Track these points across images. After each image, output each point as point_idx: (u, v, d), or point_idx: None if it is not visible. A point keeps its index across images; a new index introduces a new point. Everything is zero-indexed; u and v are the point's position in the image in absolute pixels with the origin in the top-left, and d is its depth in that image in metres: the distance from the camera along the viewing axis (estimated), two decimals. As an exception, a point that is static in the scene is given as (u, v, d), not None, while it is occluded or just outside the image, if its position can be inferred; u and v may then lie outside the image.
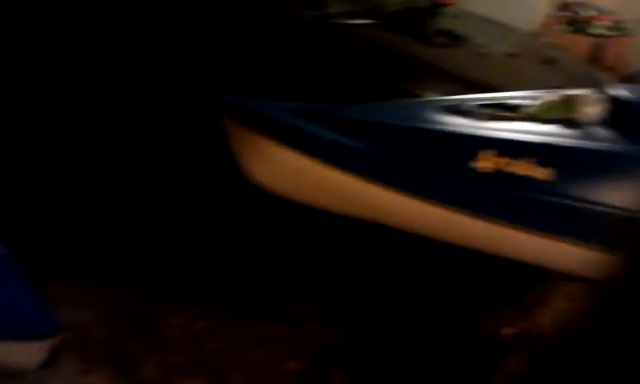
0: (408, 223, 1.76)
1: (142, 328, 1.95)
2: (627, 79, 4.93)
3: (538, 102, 1.69)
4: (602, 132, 1.54)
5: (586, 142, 1.51)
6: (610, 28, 4.91)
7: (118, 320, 1.98)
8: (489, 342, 1.87)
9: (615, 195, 1.42)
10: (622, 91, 1.64)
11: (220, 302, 2.11)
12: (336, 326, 2.03)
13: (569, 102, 1.65)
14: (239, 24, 2.65)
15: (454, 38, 3.61)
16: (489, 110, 1.70)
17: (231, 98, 1.88)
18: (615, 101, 1.63)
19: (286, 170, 1.88)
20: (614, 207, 1.42)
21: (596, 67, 4.45)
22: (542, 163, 1.47)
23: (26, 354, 1.44)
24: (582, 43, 4.75)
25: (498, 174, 1.50)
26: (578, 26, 4.90)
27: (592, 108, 1.63)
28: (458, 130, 1.65)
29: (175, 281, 2.19)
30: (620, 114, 1.59)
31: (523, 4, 4.89)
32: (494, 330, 1.88)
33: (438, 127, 1.68)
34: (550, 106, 1.66)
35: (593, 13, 4.95)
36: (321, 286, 2.24)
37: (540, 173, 1.46)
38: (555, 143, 1.53)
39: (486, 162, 1.51)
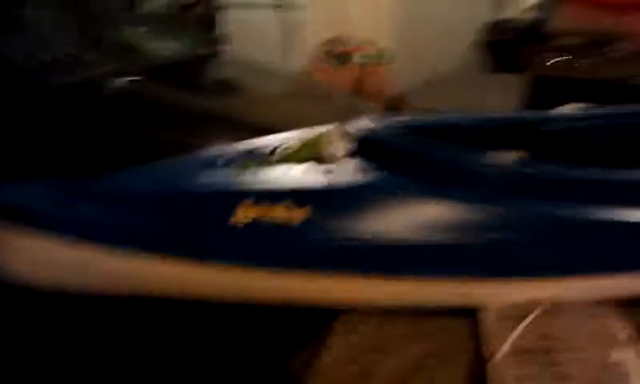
0: (187, 291, 1.68)
1: None
2: (390, 104, 5.41)
3: (290, 144, 1.72)
4: (351, 166, 1.61)
5: (336, 179, 1.57)
6: (370, 57, 5.33)
7: None
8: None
9: (372, 225, 1.49)
10: (365, 124, 1.74)
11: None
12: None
13: (319, 140, 1.71)
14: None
15: (226, 86, 3.66)
16: (244, 159, 1.70)
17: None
18: (360, 134, 1.72)
19: (41, 258, 1.70)
20: (373, 237, 1.48)
21: (361, 97, 4.81)
22: (298, 205, 1.49)
23: None
24: (347, 75, 5.09)
25: (259, 224, 1.49)
26: (341, 58, 5.25)
27: (341, 143, 1.70)
28: (210, 186, 1.62)
29: None
30: (366, 147, 1.68)
31: (290, 46, 5.14)
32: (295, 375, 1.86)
33: (189, 187, 1.63)
34: (301, 146, 1.70)
35: (354, 44, 5.34)
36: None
37: (297, 215, 1.48)
38: (306, 184, 1.57)
39: (244, 214, 1.49)
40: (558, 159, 1.78)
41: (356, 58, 5.23)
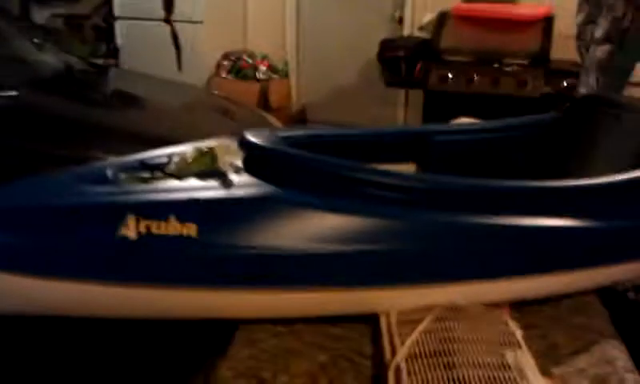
0: (72, 309, 1.59)
1: None
2: (293, 117, 5.47)
3: (182, 157, 1.68)
4: (243, 179, 1.60)
5: (226, 192, 1.54)
6: (271, 71, 5.36)
7: None
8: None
9: (265, 238, 1.48)
10: (258, 137, 1.73)
11: None
12: None
13: (212, 152, 1.68)
14: None
15: (120, 98, 3.53)
16: (133, 173, 1.64)
17: None
18: (250, 147, 1.71)
19: None
20: (267, 250, 1.47)
21: (264, 111, 4.81)
22: (186, 220, 1.45)
23: None
24: (250, 89, 5.09)
25: (146, 240, 1.44)
26: (243, 73, 5.24)
27: (234, 156, 1.68)
28: (94, 201, 1.54)
29: None
30: (258, 160, 1.67)
31: (189, 60, 5.07)
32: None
33: (71, 202, 1.55)
34: (193, 159, 1.67)
35: (254, 58, 5.35)
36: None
37: (186, 230, 1.44)
38: (196, 198, 1.54)
39: (129, 230, 1.43)
40: (446, 171, 1.86)
41: (258, 72, 5.25)
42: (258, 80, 5.19)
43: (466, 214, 1.54)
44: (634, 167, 1.73)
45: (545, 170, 2.04)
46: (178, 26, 5.03)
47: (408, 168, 2.09)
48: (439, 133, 2.17)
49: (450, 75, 4.27)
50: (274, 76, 5.32)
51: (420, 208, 1.54)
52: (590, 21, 3.28)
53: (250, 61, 5.30)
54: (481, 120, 2.82)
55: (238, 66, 5.24)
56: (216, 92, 4.60)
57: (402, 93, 5.20)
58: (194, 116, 3.25)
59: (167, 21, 4.99)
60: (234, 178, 1.59)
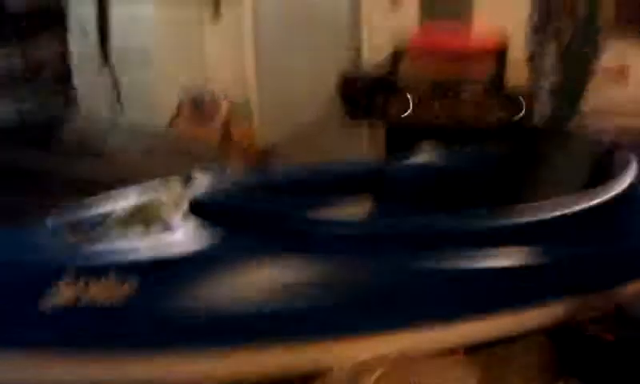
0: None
1: None
2: (256, 158, 5.43)
3: (124, 209, 1.63)
4: (187, 230, 1.54)
5: (166, 247, 1.49)
6: (234, 111, 5.33)
7: None
8: None
9: (205, 296, 1.42)
10: (205, 183, 1.69)
11: None
12: None
13: (154, 203, 1.63)
14: None
15: (79, 145, 3.48)
16: (72, 229, 1.57)
17: None
18: (199, 195, 1.66)
19: None
20: (206, 309, 1.41)
21: (227, 152, 4.78)
22: (123, 280, 1.38)
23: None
24: (211, 129, 5.05)
25: (80, 305, 1.36)
26: (205, 113, 5.20)
27: (178, 206, 1.62)
28: (27, 262, 1.47)
29: None
30: (204, 208, 1.63)
31: (149, 101, 5.02)
32: None
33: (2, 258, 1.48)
34: (135, 211, 1.61)
35: (216, 97, 5.32)
36: None
37: (121, 292, 1.37)
38: (133, 256, 1.47)
39: (63, 294, 1.35)
40: (403, 206, 1.84)
41: (220, 111, 5.21)
42: (220, 119, 5.15)
43: (414, 258, 1.51)
44: (582, 196, 1.74)
45: (498, 201, 2.04)
46: (135, 69, 4.99)
47: (363, 202, 2.06)
48: (394, 166, 2.16)
49: (409, 106, 4.29)
50: (236, 115, 5.29)
51: (365, 255, 1.50)
52: (541, 49, 3.35)
53: (211, 100, 5.26)
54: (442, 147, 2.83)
55: (199, 106, 5.21)
56: (175, 133, 4.56)
57: (365, 126, 5.21)
58: (150, 160, 3.21)
59: (106, 63, 4.93)
60: (177, 229, 1.53)
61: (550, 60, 3.27)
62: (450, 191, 2.15)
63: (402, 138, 4.19)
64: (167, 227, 1.53)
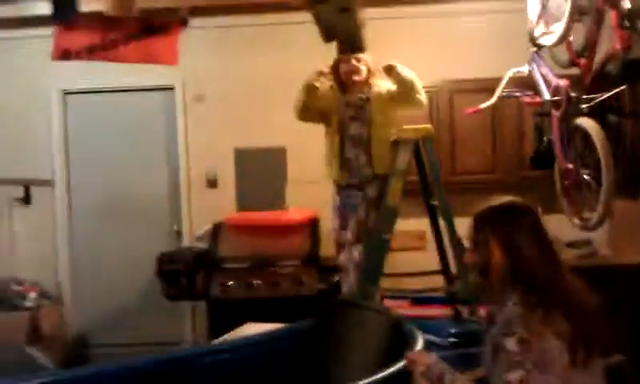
0: None
1: None
2: (69, 346, 5.02)
3: None
4: None
5: None
6: (41, 298, 4.97)
7: None
8: None
9: None
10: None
11: None
12: None
13: None
14: None
15: None
16: None
17: None
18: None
19: None
20: None
21: (35, 344, 4.38)
22: None
23: None
24: (17, 320, 4.63)
25: None
26: (9, 301, 4.79)
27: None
28: None
29: None
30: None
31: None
32: None
33: None
34: None
35: (23, 285, 4.95)
36: None
37: None
38: None
39: None
40: None
41: (27, 300, 4.83)
42: (27, 308, 4.75)
43: None
44: (380, 366, 1.85)
45: (309, 377, 2.10)
46: None
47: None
48: (201, 355, 2.15)
49: (230, 283, 4.35)
50: (45, 302, 4.93)
51: None
52: (344, 225, 3.66)
53: (18, 288, 4.88)
54: (265, 324, 2.86)
55: (4, 295, 4.79)
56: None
57: (187, 305, 5.13)
58: None
59: None
60: None
61: (350, 235, 3.58)
62: (261, 374, 2.17)
63: (225, 313, 4.18)
64: None
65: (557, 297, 1.72)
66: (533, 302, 1.69)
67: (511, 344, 1.66)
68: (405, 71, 3.51)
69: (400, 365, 1.79)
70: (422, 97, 3.57)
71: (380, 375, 1.80)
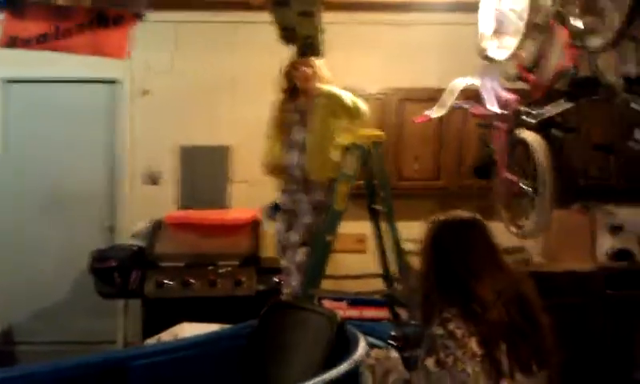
0: None
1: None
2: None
3: None
4: None
5: None
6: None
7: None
8: None
9: None
10: None
11: None
12: None
13: None
14: None
15: None
16: None
17: None
18: None
19: None
20: None
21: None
22: None
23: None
24: None
25: None
26: None
27: None
28: None
29: None
30: None
31: None
32: None
33: None
34: None
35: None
36: None
37: None
38: None
39: None
40: None
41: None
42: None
43: None
44: (322, 368, 1.83)
45: (249, 379, 2.06)
46: None
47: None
48: (136, 357, 2.06)
49: (166, 281, 4.24)
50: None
51: None
52: (289, 227, 3.64)
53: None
54: (201, 323, 2.79)
55: None
56: None
57: (120, 303, 4.96)
58: None
59: None
60: None
61: (295, 238, 3.56)
62: (198, 378, 2.11)
63: (160, 312, 4.06)
64: None
65: (483, 319, 1.69)
66: (459, 322, 1.69)
67: (430, 363, 1.68)
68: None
69: (344, 367, 1.78)
70: (359, 106, 3.56)
71: (323, 377, 1.78)
